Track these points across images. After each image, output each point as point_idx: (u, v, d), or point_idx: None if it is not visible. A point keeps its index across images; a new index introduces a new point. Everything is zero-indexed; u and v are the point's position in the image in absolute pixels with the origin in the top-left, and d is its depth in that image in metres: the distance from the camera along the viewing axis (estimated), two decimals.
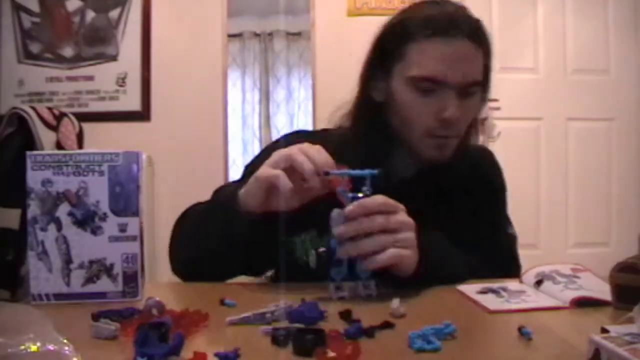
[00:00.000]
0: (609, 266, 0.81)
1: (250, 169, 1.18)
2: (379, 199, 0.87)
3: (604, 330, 0.60)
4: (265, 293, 0.88)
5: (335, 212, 0.87)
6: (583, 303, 0.81)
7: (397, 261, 0.87)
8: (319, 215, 0.90)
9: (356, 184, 0.88)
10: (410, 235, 0.89)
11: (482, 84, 1.09)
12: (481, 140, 3.42)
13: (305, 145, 0.92)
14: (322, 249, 0.90)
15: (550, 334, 0.70)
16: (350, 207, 0.85)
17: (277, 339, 0.65)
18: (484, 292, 0.89)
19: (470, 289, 0.91)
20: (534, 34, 3.55)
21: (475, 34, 1.05)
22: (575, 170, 3.61)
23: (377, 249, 0.86)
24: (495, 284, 0.93)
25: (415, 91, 1.06)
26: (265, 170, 0.92)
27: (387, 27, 1.12)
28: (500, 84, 3.54)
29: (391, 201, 0.89)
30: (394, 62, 1.08)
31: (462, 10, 1.08)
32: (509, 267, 1.13)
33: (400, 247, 0.87)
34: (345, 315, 0.76)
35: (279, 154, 0.92)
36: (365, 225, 0.85)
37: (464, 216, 1.13)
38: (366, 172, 0.88)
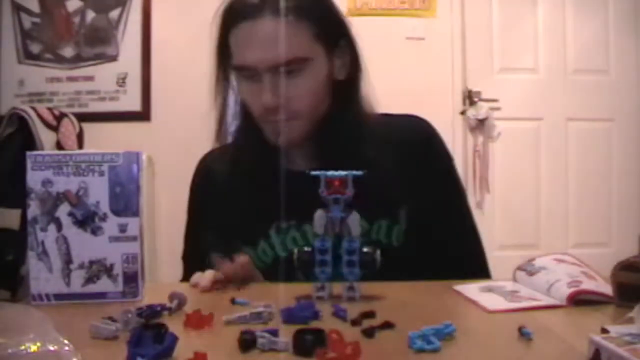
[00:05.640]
0: (609, 266, 0.82)
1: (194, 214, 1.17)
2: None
3: (604, 330, 0.60)
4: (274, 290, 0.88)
5: (318, 214, 0.86)
6: (581, 300, 0.81)
7: None
8: (293, 208, 0.89)
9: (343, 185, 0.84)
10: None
11: (308, 57, 0.98)
12: (481, 140, 3.43)
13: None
14: (307, 249, 0.88)
15: (550, 334, 0.70)
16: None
17: (246, 342, 0.63)
18: (483, 292, 0.89)
19: (469, 289, 0.91)
20: (534, 34, 3.54)
21: (280, 8, 0.96)
22: (575, 170, 3.60)
23: None
24: (494, 283, 0.93)
25: (242, 80, 1.02)
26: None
27: (217, 18, 1.05)
28: (500, 84, 3.55)
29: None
30: (228, 53, 1.03)
31: None
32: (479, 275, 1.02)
33: None
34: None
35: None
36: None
37: (410, 197, 1.03)
38: (346, 173, 0.84)
